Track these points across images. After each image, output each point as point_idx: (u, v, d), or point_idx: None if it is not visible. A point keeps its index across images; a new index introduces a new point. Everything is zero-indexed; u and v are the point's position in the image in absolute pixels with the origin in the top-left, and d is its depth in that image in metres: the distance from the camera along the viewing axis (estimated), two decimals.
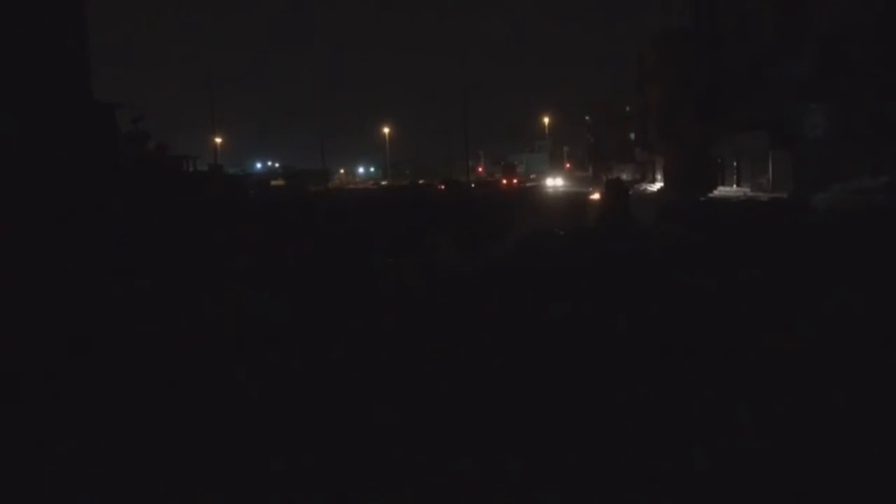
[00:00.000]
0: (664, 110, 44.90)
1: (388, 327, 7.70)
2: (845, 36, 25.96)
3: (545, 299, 9.01)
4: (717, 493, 3.73)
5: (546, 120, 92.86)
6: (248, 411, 5.13)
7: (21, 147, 21.15)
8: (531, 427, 4.66)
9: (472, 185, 60.68)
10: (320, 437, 4.62)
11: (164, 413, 5.15)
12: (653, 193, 43.07)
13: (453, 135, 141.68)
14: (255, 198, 43.85)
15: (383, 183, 74.65)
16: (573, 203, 30.58)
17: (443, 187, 48.86)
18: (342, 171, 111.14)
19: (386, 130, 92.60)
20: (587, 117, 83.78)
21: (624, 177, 44.91)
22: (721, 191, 36.06)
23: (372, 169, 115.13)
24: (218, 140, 67.26)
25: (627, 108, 66.05)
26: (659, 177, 50.05)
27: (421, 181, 65.95)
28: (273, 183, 64.87)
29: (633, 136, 61.68)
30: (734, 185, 36.34)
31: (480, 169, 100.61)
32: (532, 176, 77.05)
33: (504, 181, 66.64)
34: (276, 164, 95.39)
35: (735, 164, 36.92)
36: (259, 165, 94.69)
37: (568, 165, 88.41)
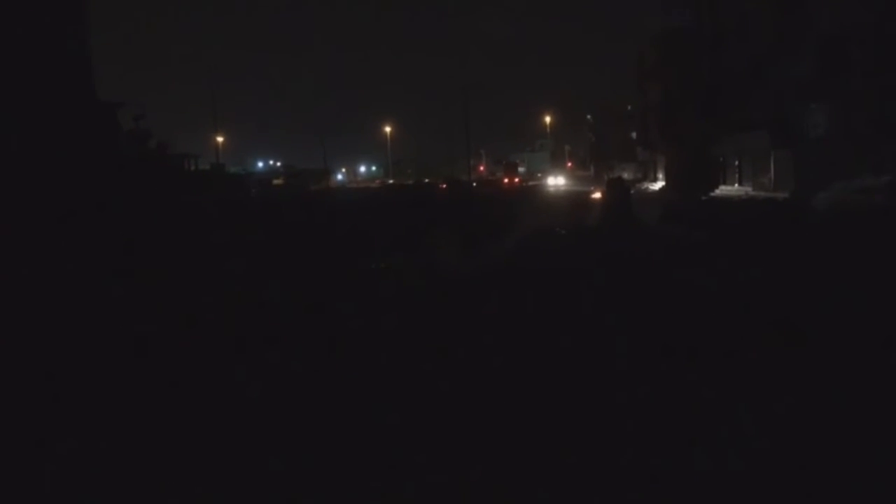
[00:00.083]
0: (665, 110, 44.85)
1: (388, 327, 7.70)
2: (845, 36, 25.94)
3: (546, 299, 9.01)
4: (717, 493, 3.73)
5: (547, 119, 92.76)
6: (247, 411, 5.13)
7: (22, 146, 21.13)
8: (531, 427, 4.66)
9: (474, 184, 60.62)
10: (320, 437, 4.62)
11: (164, 413, 5.15)
12: (654, 192, 43.05)
13: (454, 134, 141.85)
14: (257, 197, 43.85)
15: (390, 182, 74.60)
16: (574, 202, 30.53)
17: (444, 186, 48.81)
18: (343, 169, 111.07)
19: (387, 129, 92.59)
20: (589, 116, 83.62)
21: (625, 176, 44.74)
22: (723, 190, 36.04)
23: (373, 168, 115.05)
24: (219, 139, 67.23)
25: (629, 108, 65.94)
26: (660, 176, 49.97)
27: (427, 180, 65.83)
28: (275, 182, 64.91)
29: (634, 135, 61.56)
30: (736, 185, 36.30)
31: (482, 168, 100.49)
32: (539, 175, 76.90)
33: (506, 180, 66.50)
34: (278, 163, 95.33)
35: (737, 163, 36.89)
36: (260, 164, 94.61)
37: (570, 164, 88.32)
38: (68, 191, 20.23)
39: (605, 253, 13.54)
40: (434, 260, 12.57)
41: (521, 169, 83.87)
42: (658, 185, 48.05)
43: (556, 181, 62.12)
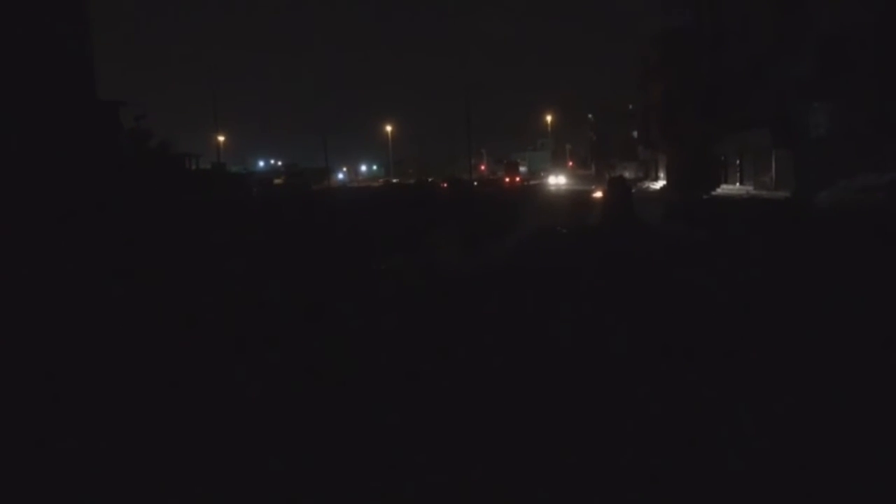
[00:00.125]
0: (666, 109, 44.85)
1: (388, 327, 7.70)
2: (845, 36, 25.93)
3: (546, 299, 9.01)
4: (717, 493, 3.73)
5: (548, 118, 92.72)
6: (247, 411, 5.13)
7: (22, 146, 21.13)
8: (531, 427, 4.66)
9: (475, 183, 60.65)
10: (320, 437, 4.62)
11: (164, 413, 5.15)
12: (656, 191, 43.08)
13: (455, 133, 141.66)
14: (258, 196, 43.84)
15: (394, 181, 74.66)
16: (576, 201, 30.53)
17: (446, 185, 48.86)
18: (345, 169, 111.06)
19: (388, 129, 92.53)
20: (590, 116, 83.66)
21: (627, 175, 44.70)
22: (724, 189, 36.05)
23: (375, 167, 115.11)
24: (221, 138, 67.20)
25: (630, 107, 65.93)
26: (662, 175, 49.97)
27: (430, 178, 65.81)
28: (276, 181, 64.94)
29: (635, 134, 61.54)
30: (737, 184, 36.30)
31: (483, 167, 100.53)
32: (540, 174, 76.89)
33: (507, 179, 66.53)
34: (279, 163, 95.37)
35: (738, 162, 36.88)
36: (262, 164, 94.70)
37: (571, 163, 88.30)
38: (69, 190, 20.24)
39: (607, 252, 13.54)
40: (435, 259, 12.57)
41: (522, 168, 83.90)
42: (659, 183, 48.06)
43: (557, 180, 62.12)
